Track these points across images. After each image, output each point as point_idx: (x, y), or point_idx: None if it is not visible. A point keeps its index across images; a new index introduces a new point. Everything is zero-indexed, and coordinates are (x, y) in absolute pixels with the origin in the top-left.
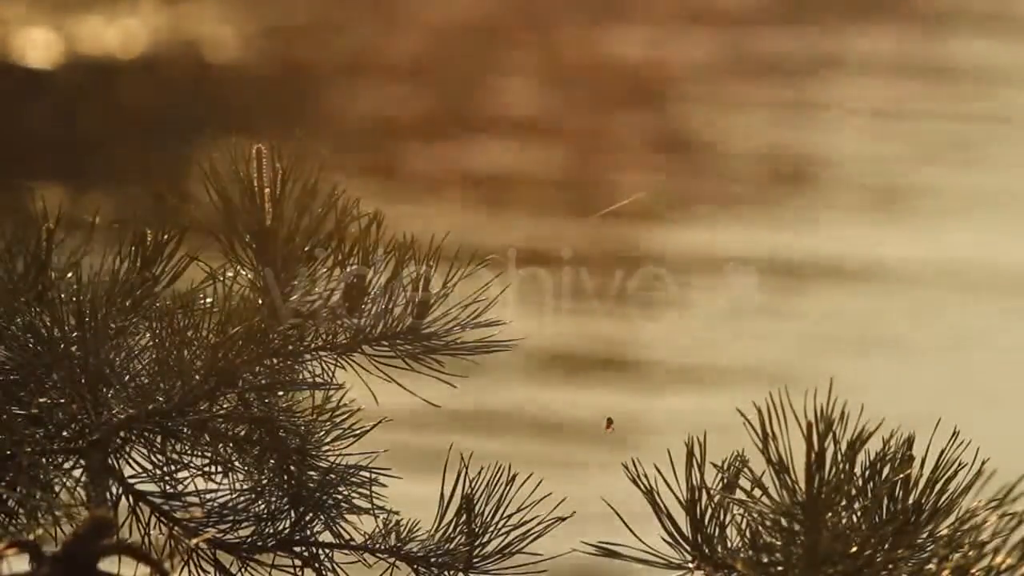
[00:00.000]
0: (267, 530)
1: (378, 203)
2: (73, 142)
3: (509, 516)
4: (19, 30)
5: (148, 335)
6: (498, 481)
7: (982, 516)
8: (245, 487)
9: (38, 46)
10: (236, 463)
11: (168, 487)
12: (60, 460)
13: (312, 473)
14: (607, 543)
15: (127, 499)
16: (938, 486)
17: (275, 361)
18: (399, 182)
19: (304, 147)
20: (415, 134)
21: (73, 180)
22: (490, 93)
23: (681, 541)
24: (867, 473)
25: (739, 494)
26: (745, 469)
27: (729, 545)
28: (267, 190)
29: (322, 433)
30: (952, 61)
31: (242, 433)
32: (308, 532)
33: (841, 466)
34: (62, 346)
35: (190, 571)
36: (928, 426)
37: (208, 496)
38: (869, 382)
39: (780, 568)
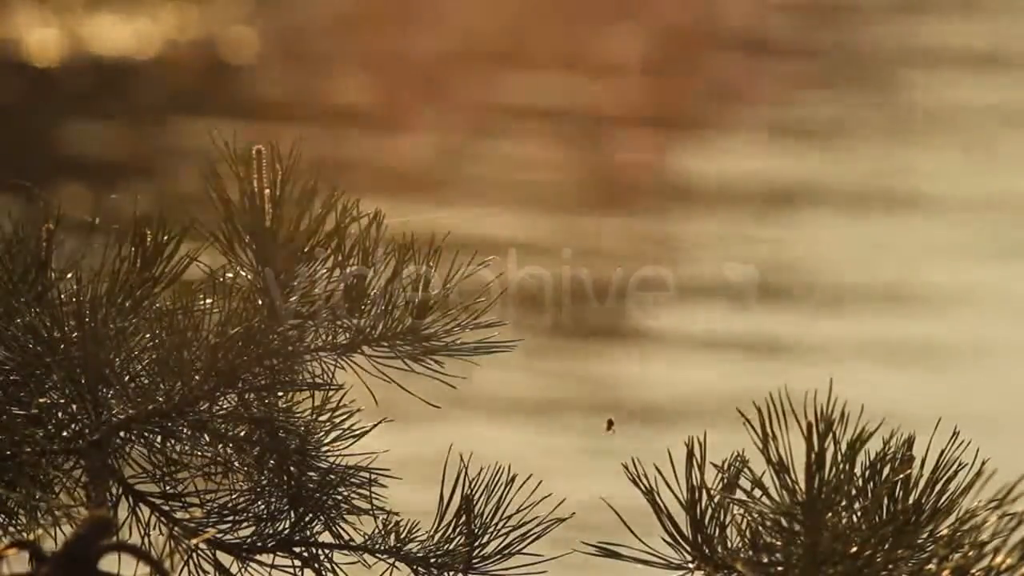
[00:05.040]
0: (267, 530)
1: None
2: (84, 142)
3: (509, 517)
4: (32, 30)
5: (148, 335)
6: (498, 482)
7: (982, 516)
8: (245, 487)
9: (50, 46)
10: (236, 463)
11: (168, 487)
12: (60, 460)
13: (312, 474)
14: (607, 543)
15: (127, 499)
16: (938, 486)
17: (275, 362)
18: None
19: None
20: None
21: (84, 180)
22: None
23: (681, 541)
24: (867, 473)
25: (739, 494)
26: (745, 469)
27: (729, 545)
28: (267, 191)
29: (322, 434)
30: None
31: (242, 433)
32: (308, 533)
33: (841, 466)
34: (62, 346)
35: (190, 571)
36: None
37: (208, 496)
38: None
39: (780, 568)
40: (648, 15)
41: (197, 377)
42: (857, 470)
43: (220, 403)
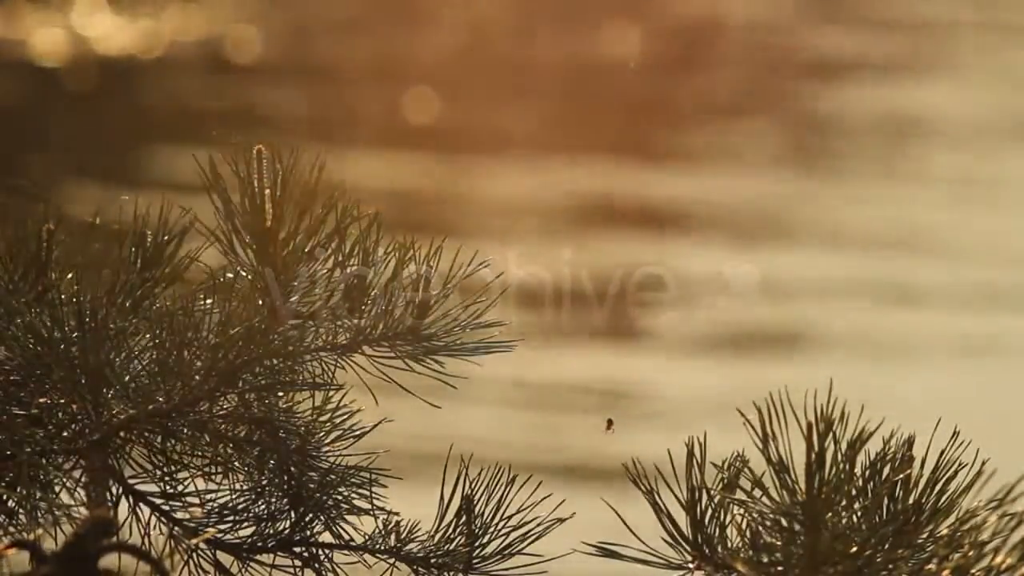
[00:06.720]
0: (267, 530)
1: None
2: (90, 142)
3: (509, 517)
4: (37, 30)
5: (148, 335)
6: (498, 482)
7: (982, 516)
8: (245, 487)
9: (55, 46)
10: (236, 463)
11: (168, 487)
12: (60, 460)
13: (312, 474)
14: (607, 543)
15: (127, 499)
16: (938, 486)
17: (275, 362)
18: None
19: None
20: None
21: (91, 180)
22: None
23: (681, 541)
24: (867, 473)
25: (739, 494)
26: (745, 469)
27: (729, 545)
28: (268, 191)
29: (322, 434)
30: None
31: (242, 434)
32: (308, 533)
33: (841, 466)
34: (62, 346)
35: (190, 571)
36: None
37: (208, 496)
38: None
39: (780, 568)
40: None
41: (197, 377)
42: (857, 470)
43: (220, 403)
